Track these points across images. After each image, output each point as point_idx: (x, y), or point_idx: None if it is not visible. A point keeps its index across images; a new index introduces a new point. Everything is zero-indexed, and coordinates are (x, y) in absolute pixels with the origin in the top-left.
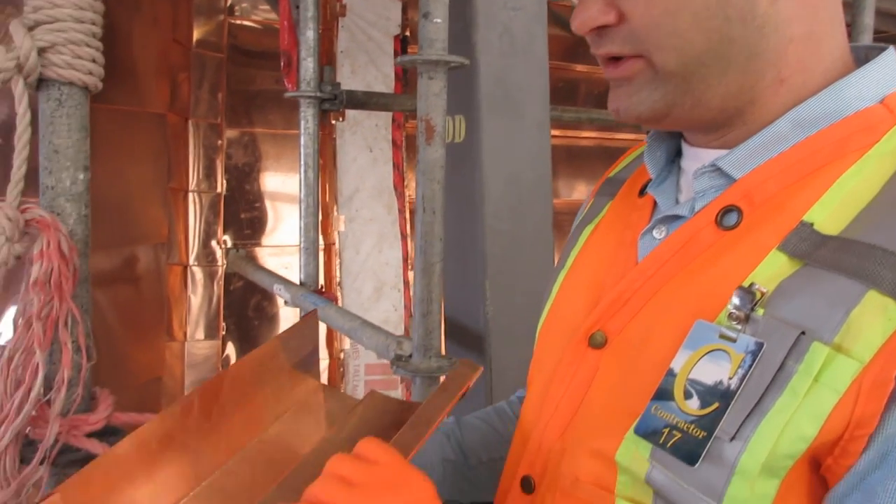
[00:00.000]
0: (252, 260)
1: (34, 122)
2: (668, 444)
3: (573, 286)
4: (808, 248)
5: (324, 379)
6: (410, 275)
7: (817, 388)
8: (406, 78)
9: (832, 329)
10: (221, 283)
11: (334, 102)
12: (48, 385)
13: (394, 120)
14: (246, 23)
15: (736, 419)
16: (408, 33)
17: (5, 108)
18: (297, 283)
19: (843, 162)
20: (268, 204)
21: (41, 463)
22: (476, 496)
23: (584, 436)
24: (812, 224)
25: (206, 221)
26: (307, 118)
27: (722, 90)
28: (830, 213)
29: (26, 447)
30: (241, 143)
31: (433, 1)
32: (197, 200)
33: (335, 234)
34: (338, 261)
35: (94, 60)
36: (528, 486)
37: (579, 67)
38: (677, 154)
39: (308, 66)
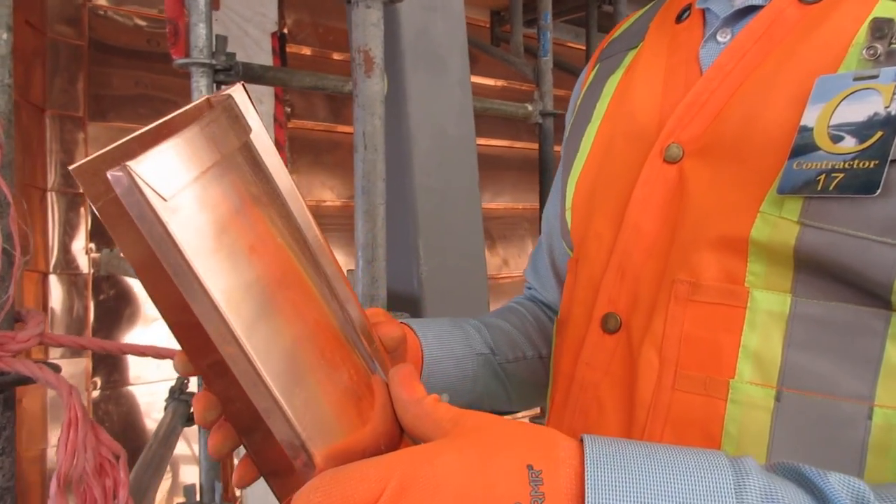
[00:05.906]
0: None
1: None
2: (832, 187)
3: (617, 121)
4: None
5: None
6: None
7: None
8: (284, 52)
9: None
10: (88, 293)
11: (229, 74)
12: None
13: (277, 97)
14: (109, 13)
15: None
16: (286, 31)
17: None
18: None
19: None
20: None
21: None
22: (506, 394)
23: (695, 236)
24: None
25: (69, 224)
26: (200, 89)
27: None
28: None
29: None
30: (106, 138)
31: None
32: (55, 201)
33: None
34: None
35: None
36: (610, 323)
37: None
38: None
39: (200, 32)
